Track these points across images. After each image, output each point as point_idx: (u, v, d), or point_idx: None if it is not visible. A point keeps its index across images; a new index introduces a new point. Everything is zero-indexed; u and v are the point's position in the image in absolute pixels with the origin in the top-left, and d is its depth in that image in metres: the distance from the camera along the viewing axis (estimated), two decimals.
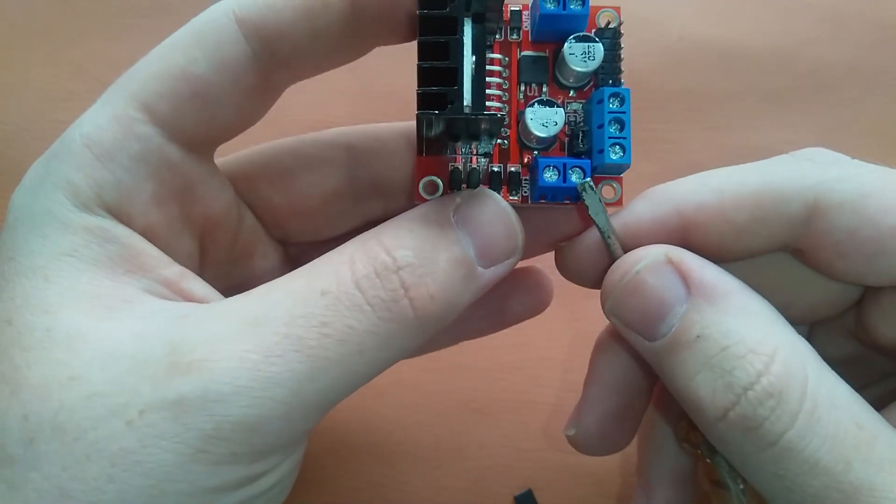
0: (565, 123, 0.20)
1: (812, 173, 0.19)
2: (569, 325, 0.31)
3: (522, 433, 0.29)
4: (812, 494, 0.16)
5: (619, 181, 0.21)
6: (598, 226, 0.19)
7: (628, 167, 0.20)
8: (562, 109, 0.20)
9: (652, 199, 0.20)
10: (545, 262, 0.29)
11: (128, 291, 0.17)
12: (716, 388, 0.17)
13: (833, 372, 0.18)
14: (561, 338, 0.31)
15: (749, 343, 0.17)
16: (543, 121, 0.20)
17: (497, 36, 0.21)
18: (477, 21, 0.18)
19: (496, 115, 0.17)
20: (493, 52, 0.20)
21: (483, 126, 0.18)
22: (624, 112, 0.19)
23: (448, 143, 0.19)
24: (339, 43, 0.19)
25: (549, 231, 0.22)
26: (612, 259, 0.20)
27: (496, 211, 0.19)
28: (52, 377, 0.16)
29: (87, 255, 0.17)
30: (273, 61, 0.19)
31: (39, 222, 0.17)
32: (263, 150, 0.23)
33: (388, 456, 0.29)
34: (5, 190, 0.32)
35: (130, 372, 0.16)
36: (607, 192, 0.20)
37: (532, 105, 0.20)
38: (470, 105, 0.17)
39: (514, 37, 0.21)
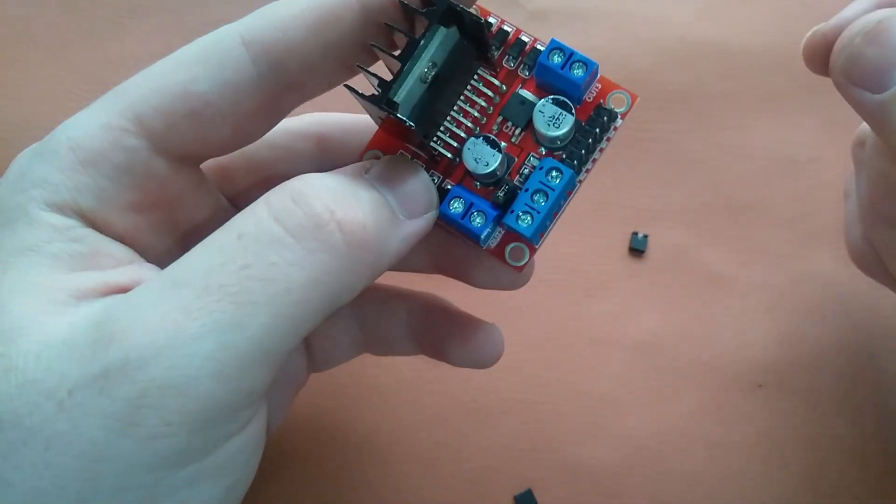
0: (514, 174, 0.20)
1: None
2: (569, 324, 0.31)
3: (522, 433, 0.29)
4: None
5: (532, 250, 0.20)
6: None
7: (532, 244, 0.20)
8: (500, 155, 0.19)
9: None
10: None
11: (81, 285, 0.17)
12: None
13: None
14: (561, 338, 0.31)
15: None
16: (477, 156, 0.19)
17: (511, 64, 0.20)
18: (469, 38, 0.18)
19: (405, 121, 0.17)
20: (495, 78, 0.20)
21: (406, 128, 0.17)
22: (554, 189, 0.19)
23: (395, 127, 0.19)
24: (350, 55, 0.19)
25: (452, 251, 0.22)
26: None
27: (407, 165, 0.19)
28: None
29: (48, 251, 0.17)
30: (282, 82, 0.19)
31: (12, 217, 0.17)
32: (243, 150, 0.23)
33: (388, 455, 0.29)
34: None
35: (60, 356, 0.16)
36: (516, 253, 0.20)
37: (477, 137, 0.19)
38: (397, 103, 0.17)
39: (525, 73, 0.20)
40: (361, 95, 0.17)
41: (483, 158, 0.19)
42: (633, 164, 0.33)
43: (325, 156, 0.23)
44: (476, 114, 0.20)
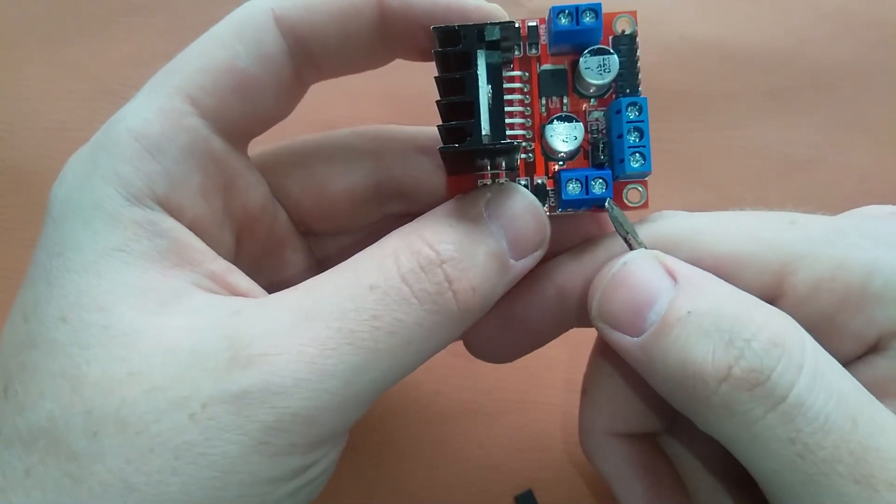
0: (586, 134, 0.21)
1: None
2: None
3: (522, 433, 0.29)
4: (823, 458, 0.16)
5: (644, 185, 0.21)
6: (629, 238, 0.20)
7: (649, 174, 0.20)
8: (581, 123, 0.20)
9: None
10: None
11: (176, 285, 0.18)
12: (715, 349, 0.17)
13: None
14: (561, 337, 0.31)
15: (743, 310, 0.17)
16: (563, 136, 0.20)
17: (517, 52, 0.21)
18: (491, 48, 0.18)
19: (512, 143, 0.18)
20: (513, 70, 0.21)
21: (503, 152, 0.18)
22: (642, 121, 0.20)
23: (474, 162, 0.20)
24: (365, 49, 0.20)
25: (566, 235, 0.23)
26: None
27: (525, 204, 0.19)
28: (111, 373, 0.16)
29: (136, 250, 0.18)
30: (303, 58, 0.20)
31: (89, 216, 0.18)
32: (292, 150, 0.23)
33: (388, 455, 0.29)
34: (4, 189, 0.32)
35: (190, 366, 0.16)
36: (633, 195, 0.21)
37: (551, 122, 0.20)
38: (488, 134, 0.18)
39: (533, 51, 0.21)
40: (457, 147, 0.18)
41: (570, 134, 0.20)
42: None
43: (380, 168, 0.23)
44: (520, 108, 0.21)
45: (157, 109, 0.18)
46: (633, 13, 0.21)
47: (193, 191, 0.19)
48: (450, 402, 0.29)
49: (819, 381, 0.16)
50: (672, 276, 0.18)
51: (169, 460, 0.16)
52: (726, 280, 0.19)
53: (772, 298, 0.19)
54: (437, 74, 0.18)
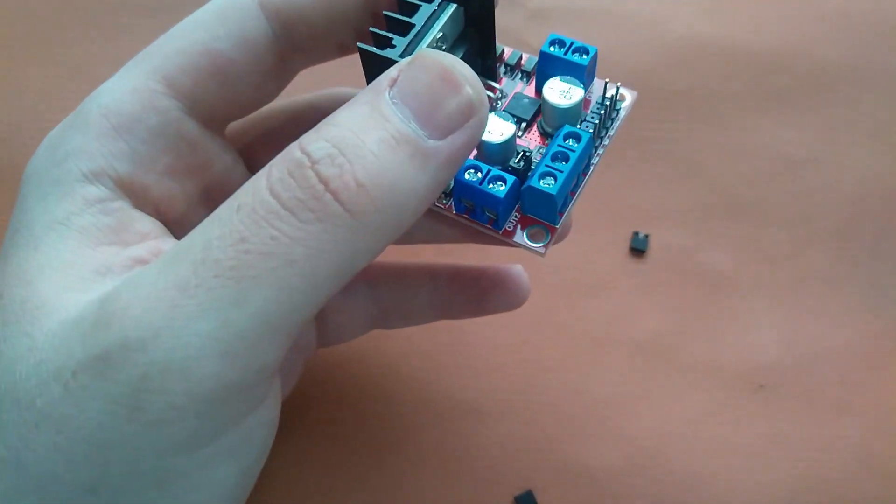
0: (514, 151, 0.20)
1: None
2: (569, 325, 0.31)
3: (522, 433, 0.29)
4: None
5: (552, 231, 0.19)
6: None
7: (554, 204, 0.18)
8: (514, 126, 0.19)
9: None
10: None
11: (106, 261, 0.17)
12: None
13: None
14: (561, 338, 0.31)
15: None
16: (489, 127, 0.19)
17: (503, 71, 0.21)
18: (472, 24, 0.18)
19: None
20: (498, 84, 0.21)
21: None
22: (574, 151, 0.18)
23: None
24: (353, 30, 0.19)
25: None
26: None
27: (432, 67, 0.15)
28: (17, 349, 0.15)
29: (76, 224, 0.17)
30: (290, 43, 0.19)
31: (45, 192, 0.17)
32: (260, 118, 0.23)
33: (387, 456, 0.29)
34: (4, 189, 0.32)
35: (69, 335, 0.15)
36: (537, 235, 0.19)
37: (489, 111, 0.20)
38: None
39: (523, 80, 0.21)
40: (372, 51, 0.17)
41: (497, 129, 0.19)
42: (634, 164, 0.33)
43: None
44: None
45: (131, 89, 0.18)
46: (634, 94, 0.21)
47: (160, 171, 0.18)
48: (449, 402, 0.29)
49: None
50: None
51: (52, 435, 0.14)
52: None
53: None
54: None
